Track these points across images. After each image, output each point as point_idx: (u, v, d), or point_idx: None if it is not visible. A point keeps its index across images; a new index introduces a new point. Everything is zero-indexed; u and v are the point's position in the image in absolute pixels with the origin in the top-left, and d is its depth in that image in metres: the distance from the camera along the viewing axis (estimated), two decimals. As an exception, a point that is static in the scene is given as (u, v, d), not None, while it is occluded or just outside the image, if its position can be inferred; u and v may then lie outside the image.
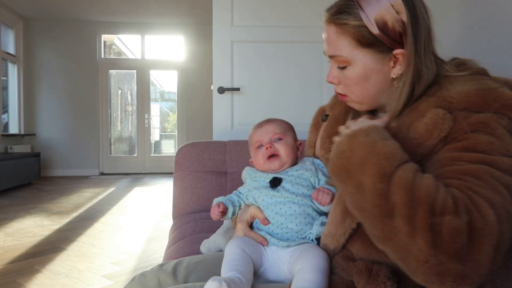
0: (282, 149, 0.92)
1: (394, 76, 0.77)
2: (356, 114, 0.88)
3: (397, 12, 0.72)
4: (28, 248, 2.65)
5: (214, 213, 0.94)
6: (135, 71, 7.24)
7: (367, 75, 0.77)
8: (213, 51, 2.36)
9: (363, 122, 0.75)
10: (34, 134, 6.59)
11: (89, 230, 3.13)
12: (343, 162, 0.67)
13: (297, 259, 0.78)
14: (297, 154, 0.96)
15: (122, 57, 9.04)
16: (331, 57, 0.80)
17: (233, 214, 0.96)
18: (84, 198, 4.56)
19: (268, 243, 0.84)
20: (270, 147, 0.92)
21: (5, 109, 6.10)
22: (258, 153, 0.94)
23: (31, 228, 3.19)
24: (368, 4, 0.73)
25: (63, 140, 6.71)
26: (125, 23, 6.87)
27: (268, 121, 0.99)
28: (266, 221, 0.86)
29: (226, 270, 0.75)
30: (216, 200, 0.97)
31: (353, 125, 0.74)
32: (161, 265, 0.93)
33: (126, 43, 9.44)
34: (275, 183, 0.89)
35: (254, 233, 0.87)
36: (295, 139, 0.98)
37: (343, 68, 0.79)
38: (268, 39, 2.38)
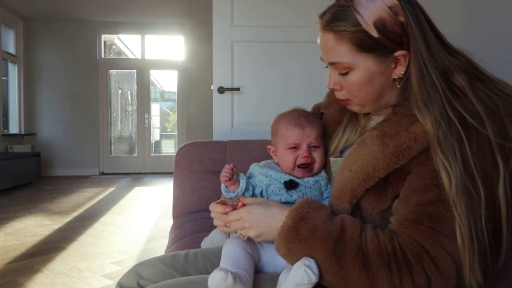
0: (318, 160, 0.89)
1: (396, 77, 0.78)
2: (353, 117, 0.90)
3: (395, 14, 0.73)
4: (28, 248, 2.66)
5: (225, 171, 0.87)
6: (135, 71, 7.24)
7: (370, 78, 0.77)
8: (213, 51, 2.36)
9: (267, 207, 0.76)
10: (34, 134, 6.59)
11: (89, 230, 3.13)
12: (291, 259, 0.71)
13: None
14: None
15: (122, 57, 9.05)
16: (331, 64, 0.80)
17: (241, 190, 0.89)
18: (84, 198, 4.56)
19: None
20: (308, 156, 0.87)
21: (5, 109, 6.10)
22: (290, 155, 0.88)
23: (32, 227, 3.20)
24: (364, 8, 0.73)
25: (63, 140, 6.71)
26: (125, 23, 6.87)
27: (309, 121, 0.91)
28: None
29: (229, 267, 0.73)
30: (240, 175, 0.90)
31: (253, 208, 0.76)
32: (158, 256, 0.94)
33: (126, 43, 9.45)
34: (292, 185, 0.86)
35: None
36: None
37: (344, 74, 0.79)
38: (268, 39, 2.38)
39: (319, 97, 2.49)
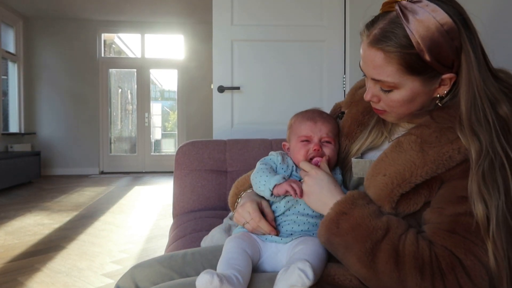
0: (329, 155, 0.90)
1: (437, 96, 0.77)
2: (381, 121, 0.90)
3: (451, 39, 0.70)
4: (28, 247, 2.66)
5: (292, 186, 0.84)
6: (135, 70, 7.24)
7: (413, 98, 0.76)
8: (213, 50, 2.36)
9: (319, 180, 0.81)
10: (35, 133, 6.59)
11: (89, 229, 3.14)
12: (330, 248, 0.77)
13: (297, 245, 0.80)
14: None
15: (122, 56, 9.04)
16: (374, 79, 0.78)
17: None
18: (84, 197, 4.56)
19: (276, 233, 0.84)
20: (318, 150, 0.88)
21: (5, 108, 6.10)
22: (302, 148, 0.90)
23: (32, 226, 3.20)
24: (419, 29, 0.70)
25: (63, 139, 6.71)
26: (125, 22, 6.87)
27: (323, 117, 0.93)
28: (273, 222, 0.86)
29: (224, 267, 0.74)
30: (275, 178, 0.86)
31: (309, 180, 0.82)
32: (156, 258, 0.92)
33: (126, 42, 9.42)
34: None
35: (264, 222, 0.84)
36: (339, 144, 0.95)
37: (387, 91, 0.77)
38: (268, 38, 2.38)
39: (319, 96, 2.50)
